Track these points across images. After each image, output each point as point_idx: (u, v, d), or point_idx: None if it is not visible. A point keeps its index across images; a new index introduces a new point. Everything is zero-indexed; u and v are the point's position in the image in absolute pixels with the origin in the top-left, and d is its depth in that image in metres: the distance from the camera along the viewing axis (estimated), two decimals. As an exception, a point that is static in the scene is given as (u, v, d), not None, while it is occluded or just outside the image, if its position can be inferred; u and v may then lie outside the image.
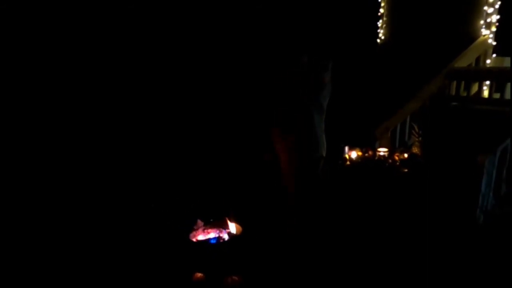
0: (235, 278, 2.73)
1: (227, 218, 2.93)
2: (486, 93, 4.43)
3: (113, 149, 4.18)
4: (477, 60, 4.76)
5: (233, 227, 2.94)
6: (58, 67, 4.10)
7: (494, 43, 4.78)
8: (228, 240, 2.86)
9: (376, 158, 3.82)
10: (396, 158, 3.80)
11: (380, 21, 6.09)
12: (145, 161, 4.26)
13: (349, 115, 5.06)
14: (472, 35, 4.84)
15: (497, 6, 4.69)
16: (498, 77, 4.16)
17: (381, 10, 6.06)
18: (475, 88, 4.54)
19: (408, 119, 4.58)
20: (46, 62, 4.06)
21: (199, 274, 2.75)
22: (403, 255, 2.91)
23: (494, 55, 4.83)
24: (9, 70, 3.86)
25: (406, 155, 3.84)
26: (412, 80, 4.84)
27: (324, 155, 3.03)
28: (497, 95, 4.16)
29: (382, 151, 3.95)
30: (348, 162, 3.81)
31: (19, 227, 3.23)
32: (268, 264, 2.87)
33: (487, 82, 4.39)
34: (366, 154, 3.92)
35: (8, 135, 3.77)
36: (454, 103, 4.48)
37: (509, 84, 4.01)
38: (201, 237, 2.92)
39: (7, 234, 3.10)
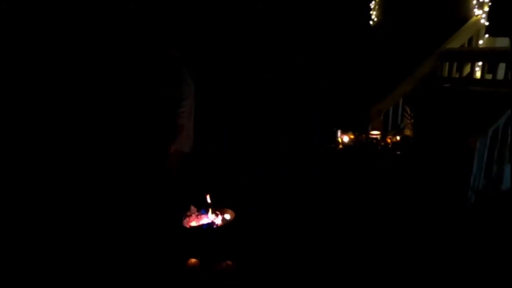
0: (229, 263, 2.74)
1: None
2: (478, 74, 4.41)
3: (109, 139, 4.13)
4: (470, 40, 4.72)
5: (224, 214, 2.95)
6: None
7: (487, 23, 4.74)
8: (221, 225, 2.87)
9: (369, 141, 3.82)
10: (389, 141, 3.81)
11: (373, 2, 6.00)
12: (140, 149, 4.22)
13: (341, 98, 5.04)
14: (464, 16, 4.79)
15: (489, -14, 4.63)
16: (490, 57, 4.14)
17: (374, -9, 5.96)
18: (467, 69, 4.52)
19: (400, 102, 4.56)
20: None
21: (193, 260, 2.76)
22: (395, 236, 2.94)
23: (486, 36, 4.79)
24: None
25: (398, 138, 3.85)
26: (404, 62, 4.80)
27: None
28: (489, 76, 4.15)
29: (375, 134, 3.95)
30: (340, 146, 3.81)
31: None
32: (261, 249, 2.89)
33: (480, 63, 4.37)
34: (359, 138, 3.92)
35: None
36: (446, 85, 4.47)
37: (501, 65, 4.00)
38: (194, 223, 2.92)
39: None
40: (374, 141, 3.82)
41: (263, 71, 4.90)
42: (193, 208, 2.99)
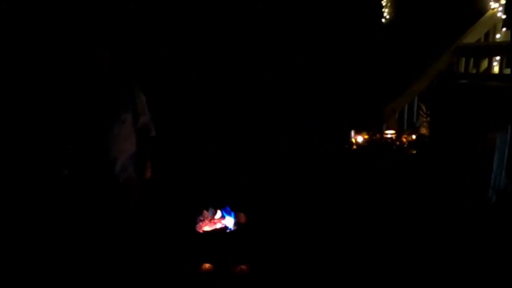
0: (243, 267, 2.72)
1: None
2: (496, 69, 4.28)
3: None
4: (486, 35, 4.60)
5: (237, 217, 2.93)
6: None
7: (504, 16, 4.60)
8: (234, 230, 2.85)
9: (383, 140, 3.74)
10: (404, 140, 3.72)
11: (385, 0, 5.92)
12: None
13: (354, 98, 4.97)
14: (480, 9, 4.66)
15: (506, -22, 4.50)
16: (508, 51, 4.01)
17: (385, -12, 5.88)
18: (484, 64, 4.38)
19: (416, 100, 4.46)
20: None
21: (207, 265, 2.75)
22: (410, 237, 2.86)
23: (503, 29, 4.65)
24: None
25: (414, 137, 3.76)
26: (419, 59, 4.70)
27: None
28: (507, 71, 4.03)
29: (389, 133, 3.87)
30: (354, 146, 3.74)
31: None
32: (275, 252, 2.86)
33: (497, 58, 4.24)
34: (373, 137, 3.84)
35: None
36: (463, 81, 4.35)
37: (520, 59, 3.88)
38: (207, 228, 2.91)
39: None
40: (389, 141, 3.73)
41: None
42: (205, 213, 2.98)
